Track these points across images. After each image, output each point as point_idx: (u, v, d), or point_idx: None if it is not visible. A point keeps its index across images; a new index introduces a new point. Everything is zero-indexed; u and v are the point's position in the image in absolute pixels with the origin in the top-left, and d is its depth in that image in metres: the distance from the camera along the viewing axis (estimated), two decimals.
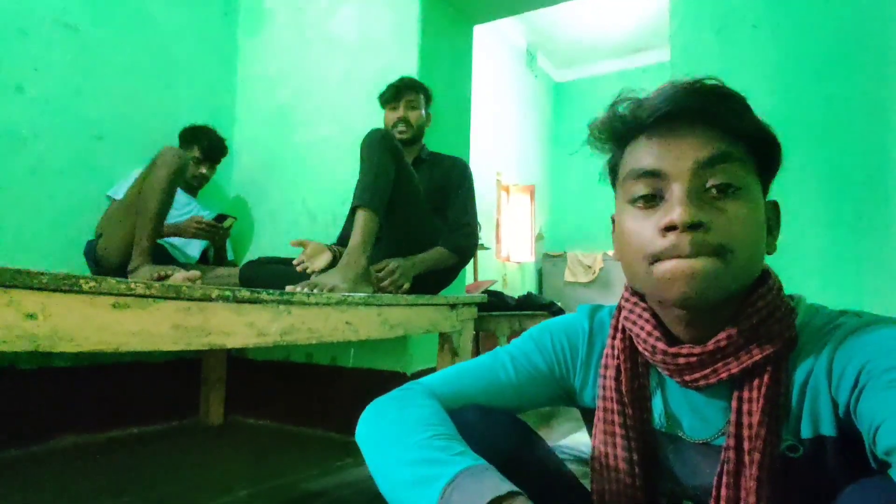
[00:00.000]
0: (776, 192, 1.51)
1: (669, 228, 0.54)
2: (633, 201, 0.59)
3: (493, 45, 5.08)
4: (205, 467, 1.82)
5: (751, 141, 0.57)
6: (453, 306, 1.76)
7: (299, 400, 2.33)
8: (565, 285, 5.64)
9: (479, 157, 4.17)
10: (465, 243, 1.82)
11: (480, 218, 1.96)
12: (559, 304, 3.16)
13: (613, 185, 0.65)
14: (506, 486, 0.49)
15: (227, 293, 1.02)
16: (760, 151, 0.58)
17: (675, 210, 0.53)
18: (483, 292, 2.76)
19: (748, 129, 0.56)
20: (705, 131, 0.55)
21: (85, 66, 2.10)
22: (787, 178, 1.61)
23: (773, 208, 0.63)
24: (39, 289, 0.77)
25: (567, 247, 5.88)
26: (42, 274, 0.77)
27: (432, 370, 1.98)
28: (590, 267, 5.59)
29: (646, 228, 0.57)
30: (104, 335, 0.84)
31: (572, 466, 1.83)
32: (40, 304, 0.77)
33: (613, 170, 0.64)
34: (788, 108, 1.52)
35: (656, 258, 0.56)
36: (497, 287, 4.30)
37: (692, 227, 0.53)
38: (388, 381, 2.13)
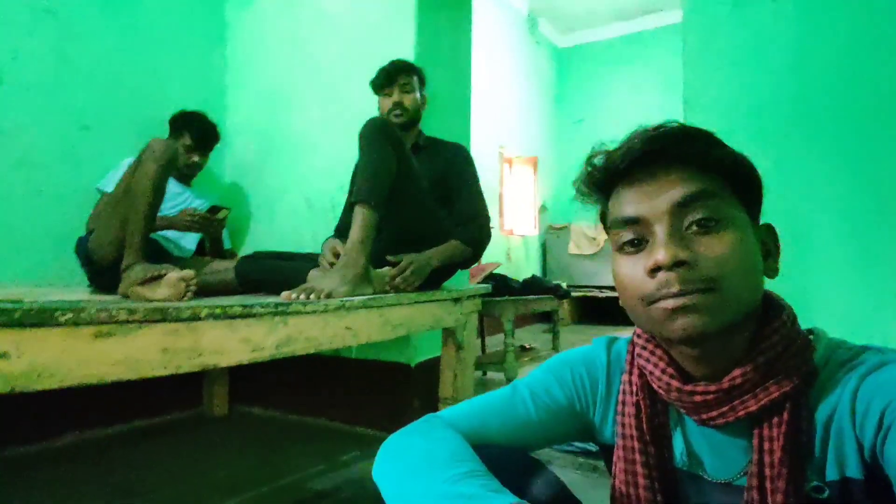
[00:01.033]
0: (796, 186, 1.41)
1: (655, 269, 0.55)
2: (621, 248, 0.60)
3: (493, 12, 4.90)
4: (210, 464, 1.81)
5: (726, 174, 0.57)
6: (457, 300, 1.71)
7: (303, 390, 2.31)
8: (570, 258, 5.59)
9: (480, 130, 4.07)
10: (479, 236, 1.77)
11: (484, 193, 1.90)
12: (563, 282, 3.11)
13: (606, 231, 0.65)
14: None
15: (218, 310, 0.97)
16: (738, 182, 0.58)
17: (658, 252, 0.54)
18: (487, 276, 2.71)
19: (720, 164, 0.57)
20: (678, 171, 0.56)
21: (66, 52, 2.01)
22: (807, 167, 1.51)
23: (769, 232, 0.62)
24: (11, 325, 0.71)
25: (571, 218, 5.80)
26: (13, 309, 0.71)
27: (436, 361, 1.94)
28: (594, 239, 5.52)
29: (636, 272, 0.58)
30: (86, 368, 0.80)
31: (580, 459, 1.80)
32: (13, 341, 0.72)
33: (604, 217, 0.65)
34: (809, 89, 1.42)
35: (650, 300, 0.56)
36: (502, 263, 4.25)
37: (676, 265, 0.53)
38: (392, 372, 2.10)
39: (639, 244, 0.58)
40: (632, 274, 0.58)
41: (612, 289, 5.12)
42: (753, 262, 0.56)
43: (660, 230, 0.55)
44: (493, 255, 4.58)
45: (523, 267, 5.36)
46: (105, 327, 0.81)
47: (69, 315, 0.76)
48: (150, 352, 0.87)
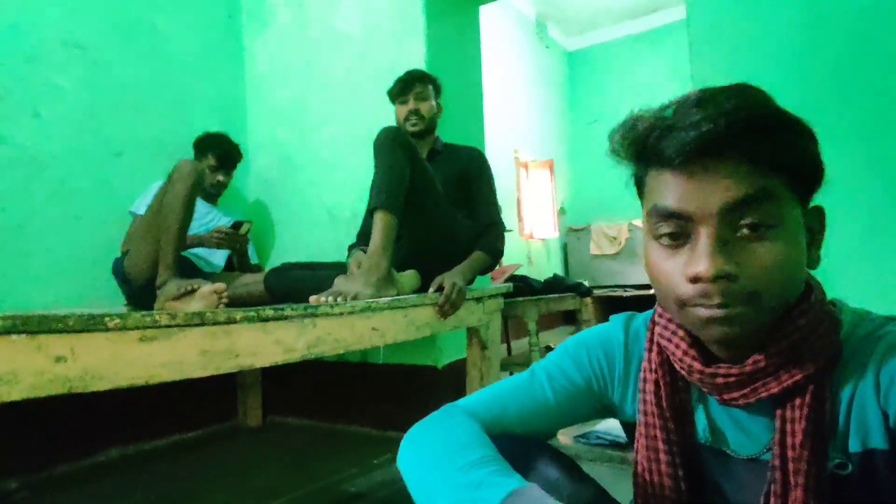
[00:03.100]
0: None
1: (696, 279, 0.51)
2: (658, 238, 0.55)
3: (501, 19, 4.96)
4: (247, 472, 1.86)
5: (790, 167, 0.52)
6: (479, 300, 1.74)
7: (334, 398, 2.35)
8: (591, 258, 5.57)
9: (495, 136, 4.11)
10: (499, 244, 1.82)
11: (501, 199, 1.95)
12: (586, 282, 3.11)
13: (639, 195, 0.60)
14: None
15: (252, 313, 1.02)
16: (801, 173, 0.53)
17: (702, 262, 0.50)
18: (508, 277, 2.73)
19: (788, 161, 0.51)
20: (737, 166, 0.50)
21: (96, 84, 2.11)
22: None
23: (817, 215, 0.57)
24: (66, 331, 0.77)
25: (591, 219, 5.79)
26: (67, 317, 0.77)
27: (463, 362, 1.97)
28: (615, 238, 5.50)
29: (674, 271, 0.54)
30: (134, 370, 0.85)
31: (608, 451, 1.81)
32: (68, 346, 0.78)
33: (639, 183, 0.60)
34: (815, 81, 1.43)
35: (686, 304, 0.53)
36: (523, 266, 4.26)
37: (719, 278, 0.50)
38: (420, 375, 2.14)
39: (678, 238, 0.53)
40: (668, 272, 0.54)
41: (636, 287, 5.11)
42: (800, 265, 0.53)
43: (705, 233, 0.51)
44: (514, 259, 4.60)
45: (545, 270, 5.37)
46: (149, 331, 0.87)
47: (117, 321, 0.82)
48: (190, 354, 0.92)
